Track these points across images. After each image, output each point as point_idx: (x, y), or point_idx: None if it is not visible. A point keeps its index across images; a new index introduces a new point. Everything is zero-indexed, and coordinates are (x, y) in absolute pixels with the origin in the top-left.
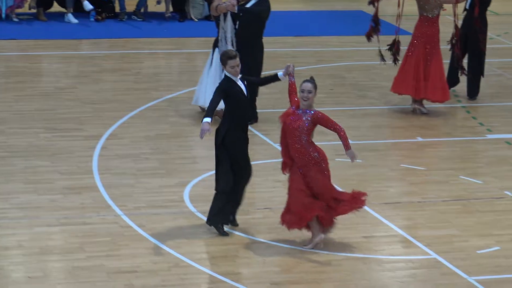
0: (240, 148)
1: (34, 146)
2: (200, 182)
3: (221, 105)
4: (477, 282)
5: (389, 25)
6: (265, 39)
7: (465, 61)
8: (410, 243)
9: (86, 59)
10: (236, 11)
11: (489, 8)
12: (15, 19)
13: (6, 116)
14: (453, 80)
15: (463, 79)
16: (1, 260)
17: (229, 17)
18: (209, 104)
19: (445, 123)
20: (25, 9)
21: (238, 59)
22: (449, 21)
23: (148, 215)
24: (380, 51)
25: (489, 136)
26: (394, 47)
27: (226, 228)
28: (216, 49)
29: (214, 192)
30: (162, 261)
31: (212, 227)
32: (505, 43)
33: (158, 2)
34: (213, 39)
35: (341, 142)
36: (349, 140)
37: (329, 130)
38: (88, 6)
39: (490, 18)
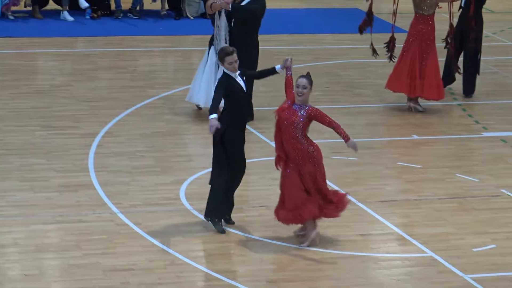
0: (238, 146)
1: (30, 144)
2: (196, 180)
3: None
4: (473, 280)
5: (385, 23)
6: (260, 37)
7: (461, 59)
8: (406, 241)
9: (82, 57)
10: (230, 9)
11: (484, 6)
12: (11, 17)
13: (2, 114)
14: (448, 78)
15: (458, 77)
16: None
17: (223, 15)
18: (212, 102)
19: (441, 121)
20: (20, 6)
21: (235, 55)
22: (444, 19)
23: (144, 213)
24: (372, 45)
25: (485, 134)
26: (390, 45)
27: (223, 226)
28: (212, 47)
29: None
30: (158, 259)
31: (210, 223)
32: (501, 41)
33: (154, 0)
34: (208, 37)
35: (338, 140)
36: (346, 132)
37: (325, 128)
38: (83, 3)
39: (485, 16)
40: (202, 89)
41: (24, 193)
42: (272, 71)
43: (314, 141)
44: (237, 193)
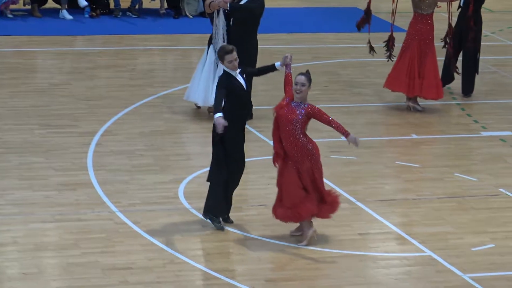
0: (239, 146)
1: (29, 142)
2: (195, 178)
3: None
4: (472, 279)
5: (384, 22)
6: (259, 36)
7: (460, 59)
8: (405, 240)
9: (81, 56)
10: (228, 8)
11: (484, 6)
12: (10, 15)
13: (1, 112)
14: (447, 78)
15: (457, 77)
16: None
17: (221, 14)
18: (215, 101)
19: (440, 121)
20: (19, 5)
21: (235, 53)
22: (443, 18)
23: (143, 211)
24: (369, 42)
25: (484, 133)
26: (389, 44)
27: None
28: (211, 46)
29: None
30: (157, 258)
31: (208, 221)
32: (500, 41)
33: None
34: (208, 35)
35: (336, 140)
36: (344, 127)
37: (323, 127)
38: (82, 2)
39: (484, 15)
40: (200, 88)
41: (23, 192)
42: (271, 68)
43: (312, 140)
44: (236, 192)
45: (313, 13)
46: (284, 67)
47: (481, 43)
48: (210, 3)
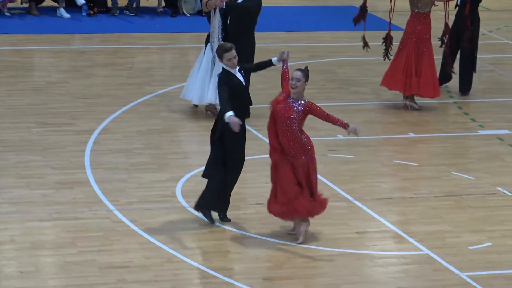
0: (238, 144)
1: (26, 140)
2: (192, 177)
3: (214, 99)
4: (469, 278)
5: (381, 20)
6: (257, 34)
7: (458, 57)
8: (402, 239)
9: (78, 54)
10: (224, 7)
11: (481, 4)
12: (7, 14)
13: None
14: (445, 77)
15: (455, 75)
16: None
17: (217, 13)
18: (221, 101)
19: (437, 119)
20: (17, 3)
21: (234, 51)
22: (441, 17)
23: (140, 210)
24: (364, 38)
25: (481, 132)
26: (386, 42)
27: (218, 223)
28: (208, 45)
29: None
30: (154, 256)
31: (200, 216)
32: (497, 39)
33: None
34: (205, 34)
35: (334, 138)
36: (341, 119)
37: (321, 126)
38: (80, 1)
39: (482, 14)
40: (196, 87)
41: (20, 190)
42: (268, 63)
43: (310, 139)
44: (233, 190)
45: (310, 11)
46: (281, 62)
47: (479, 42)
48: (207, 1)
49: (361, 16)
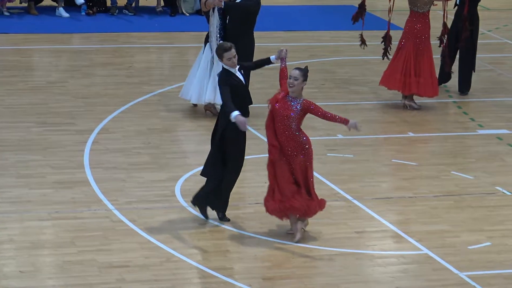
0: (238, 144)
1: (26, 140)
2: (192, 176)
3: (213, 99)
4: (468, 277)
5: (380, 19)
6: (256, 34)
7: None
8: (401, 238)
9: (77, 53)
10: (222, 6)
11: (480, 4)
12: (6, 13)
13: None
14: (444, 76)
15: (454, 75)
16: None
17: (216, 12)
18: (224, 100)
19: (437, 119)
20: (16, 2)
21: (233, 50)
22: (440, 16)
23: (140, 209)
24: (361, 35)
25: (480, 132)
26: (386, 42)
27: (217, 223)
28: (207, 44)
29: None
30: (153, 256)
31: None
32: (496, 38)
33: None
34: (204, 33)
35: (333, 138)
36: (341, 116)
37: (320, 125)
38: (79, 0)
39: (481, 13)
40: (194, 86)
41: (20, 190)
42: (267, 61)
43: (309, 138)
44: (233, 190)
45: (309, 10)
46: (279, 60)
47: (478, 41)
48: (206, 1)
49: (359, 14)
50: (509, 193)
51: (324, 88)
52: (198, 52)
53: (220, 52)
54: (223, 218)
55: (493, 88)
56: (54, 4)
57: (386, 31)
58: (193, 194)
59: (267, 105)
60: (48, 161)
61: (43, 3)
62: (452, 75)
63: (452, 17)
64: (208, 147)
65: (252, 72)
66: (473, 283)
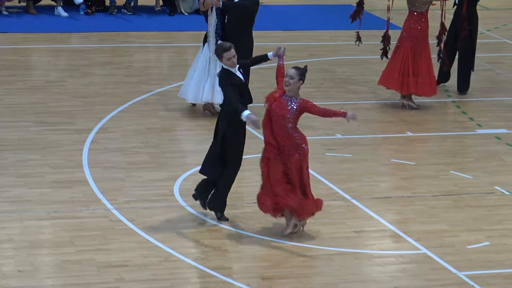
0: (238, 143)
1: (25, 139)
2: (190, 176)
3: (210, 98)
4: (467, 277)
5: (379, 19)
6: (255, 33)
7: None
8: (400, 238)
9: (76, 53)
10: (220, 6)
11: (479, 3)
12: (5, 12)
13: None
14: (443, 76)
15: (453, 75)
16: None
17: (214, 12)
18: (231, 101)
19: (435, 118)
20: (14, 2)
21: (233, 50)
22: (439, 16)
23: (139, 209)
24: (358, 34)
25: (479, 131)
26: (384, 41)
27: (214, 222)
28: (206, 44)
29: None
30: (152, 255)
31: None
32: (495, 38)
33: None
34: (203, 33)
35: (331, 137)
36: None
37: (318, 125)
38: None
39: (480, 13)
40: (192, 86)
41: (19, 189)
42: (264, 58)
43: (308, 137)
44: (231, 189)
45: (308, 10)
46: (277, 58)
47: (477, 41)
48: (204, 0)
49: (357, 13)
50: (508, 193)
51: (323, 87)
52: (197, 51)
53: (220, 52)
54: (221, 217)
55: (492, 88)
56: (53, 3)
57: (385, 30)
58: (191, 193)
59: (264, 104)
60: (47, 161)
61: (42, 3)
62: (451, 75)
63: (451, 17)
64: (207, 147)
65: (251, 72)
66: (472, 283)
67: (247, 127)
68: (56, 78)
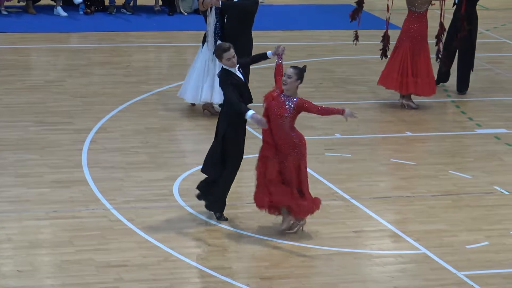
0: (238, 143)
1: (24, 139)
2: (190, 176)
3: (209, 98)
4: (467, 277)
5: (378, 19)
6: (254, 33)
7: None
8: (399, 238)
9: (76, 53)
10: (220, 6)
11: (478, 3)
12: (4, 12)
13: None
14: (443, 76)
15: (452, 75)
16: None
17: (213, 12)
18: (233, 101)
19: (434, 118)
20: (14, 2)
21: (232, 50)
22: (438, 16)
23: (138, 209)
24: (356, 33)
25: (478, 131)
26: (384, 41)
27: (215, 222)
28: (205, 44)
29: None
30: (151, 255)
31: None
32: (494, 38)
33: None
34: (202, 32)
35: (331, 137)
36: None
37: (318, 125)
38: None
39: (479, 12)
40: (190, 85)
41: (18, 189)
42: (263, 56)
43: (307, 137)
44: (230, 189)
45: (307, 10)
46: (276, 56)
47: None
48: (204, 0)
49: (356, 12)
50: (507, 193)
51: (322, 87)
52: (196, 51)
53: (219, 52)
54: (220, 217)
55: (491, 88)
56: (52, 3)
57: (385, 30)
58: (191, 193)
59: (262, 103)
60: (46, 161)
61: (41, 2)
62: (450, 74)
63: (451, 17)
64: (206, 147)
65: (250, 71)
66: (471, 283)
67: (247, 127)
68: (55, 78)
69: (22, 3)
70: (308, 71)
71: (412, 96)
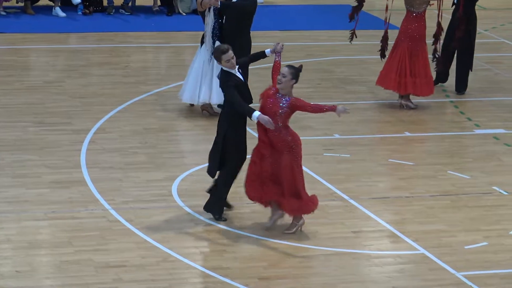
0: (239, 143)
1: (22, 140)
2: (188, 176)
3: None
4: (465, 277)
5: (377, 19)
6: (252, 33)
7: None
8: (398, 238)
9: (74, 53)
10: (218, 6)
11: (477, 3)
12: (3, 13)
13: None
14: (442, 76)
15: (451, 75)
16: None
17: (211, 12)
18: (237, 102)
19: (433, 118)
20: (12, 2)
21: (231, 51)
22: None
23: (136, 209)
24: (354, 31)
25: (477, 131)
26: (383, 41)
27: (213, 222)
28: (203, 45)
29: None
30: (150, 256)
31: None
32: (493, 38)
33: None
34: (201, 33)
35: (330, 137)
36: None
37: (318, 125)
38: None
39: (477, 12)
40: (188, 86)
41: (16, 189)
42: (262, 55)
43: (306, 138)
44: (230, 189)
45: (306, 10)
46: (274, 54)
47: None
48: (202, 1)
49: (356, 9)
50: (506, 193)
51: (320, 87)
52: (194, 51)
53: (218, 54)
54: (219, 218)
55: (490, 88)
56: (51, 3)
57: (384, 30)
58: (189, 193)
59: (259, 101)
60: (45, 161)
61: (40, 3)
62: (450, 73)
63: (449, 17)
64: (205, 147)
65: (250, 71)
66: (470, 283)
67: (247, 127)
68: (54, 78)
69: (21, 4)
70: (307, 71)
71: (411, 96)
